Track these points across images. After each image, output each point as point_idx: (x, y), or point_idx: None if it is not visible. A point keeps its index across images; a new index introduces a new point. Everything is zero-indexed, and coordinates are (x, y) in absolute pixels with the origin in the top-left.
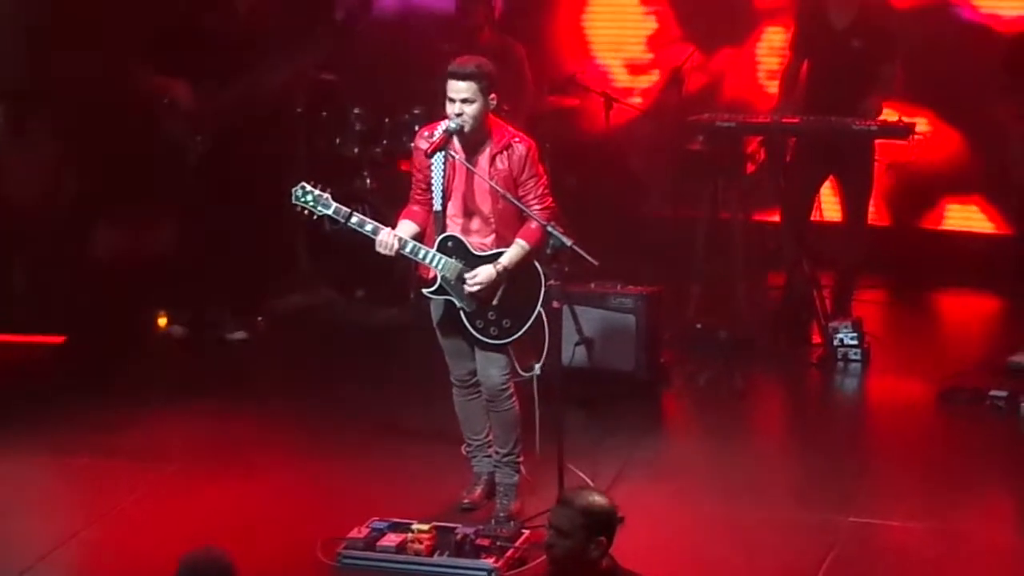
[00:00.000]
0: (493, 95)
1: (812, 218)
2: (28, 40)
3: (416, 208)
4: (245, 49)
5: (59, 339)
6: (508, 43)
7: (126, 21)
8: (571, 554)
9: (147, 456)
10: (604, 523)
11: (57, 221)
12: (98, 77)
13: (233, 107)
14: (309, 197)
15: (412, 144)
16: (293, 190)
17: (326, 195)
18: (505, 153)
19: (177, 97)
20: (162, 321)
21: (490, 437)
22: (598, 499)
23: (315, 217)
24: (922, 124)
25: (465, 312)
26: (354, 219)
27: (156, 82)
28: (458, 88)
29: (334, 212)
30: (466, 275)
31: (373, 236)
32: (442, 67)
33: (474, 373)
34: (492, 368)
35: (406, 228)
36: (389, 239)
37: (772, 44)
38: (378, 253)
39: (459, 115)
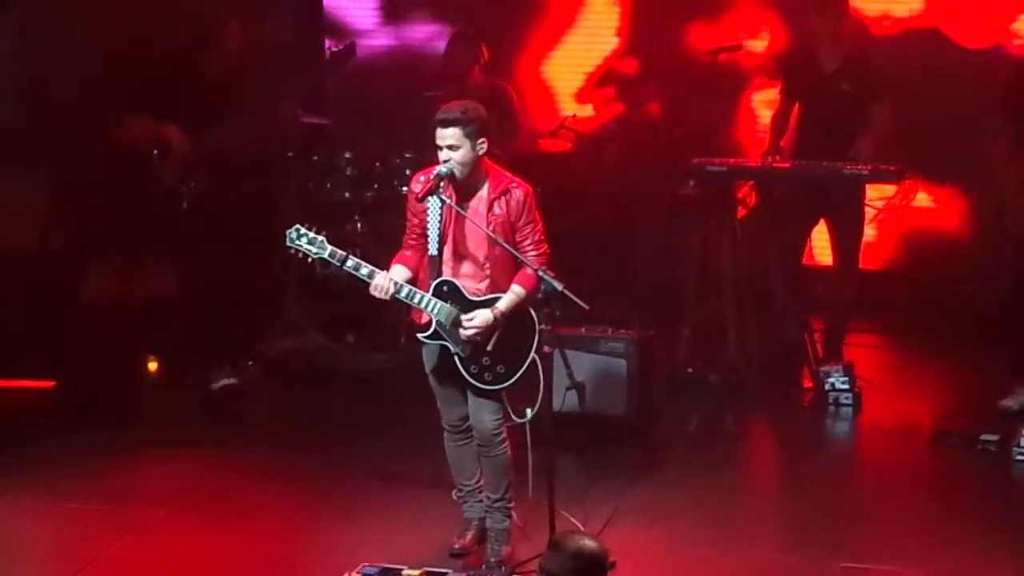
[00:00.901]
0: (483, 139)
1: (803, 262)
2: (23, 83)
3: (409, 253)
4: (233, 92)
5: (49, 383)
6: (497, 85)
7: (120, 68)
8: None
9: (137, 501)
10: (595, 568)
11: (48, 265)
12: (92, 123)
13: (222, 150)
14: (304, 240)
15: (406, 188)
16: (288, 232)
17: (321, 238)
18: (503, 198)
19: (170, 144)
20: (152, 366)
21: (481, 482)
22: (589, 543)
23: (309, 260)
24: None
25: (460, 357)
26: (349, 263)
27: (149, 129)
28: (444, 135)
29: (329, 255)
30: (463, 319)
31: (368, 280)
32: (432, 111)
33: (466, 418)
34: (485, 413)
35: (399, 273)
36: (385, 283)
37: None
38: (368, 298)
39: (446, 162)
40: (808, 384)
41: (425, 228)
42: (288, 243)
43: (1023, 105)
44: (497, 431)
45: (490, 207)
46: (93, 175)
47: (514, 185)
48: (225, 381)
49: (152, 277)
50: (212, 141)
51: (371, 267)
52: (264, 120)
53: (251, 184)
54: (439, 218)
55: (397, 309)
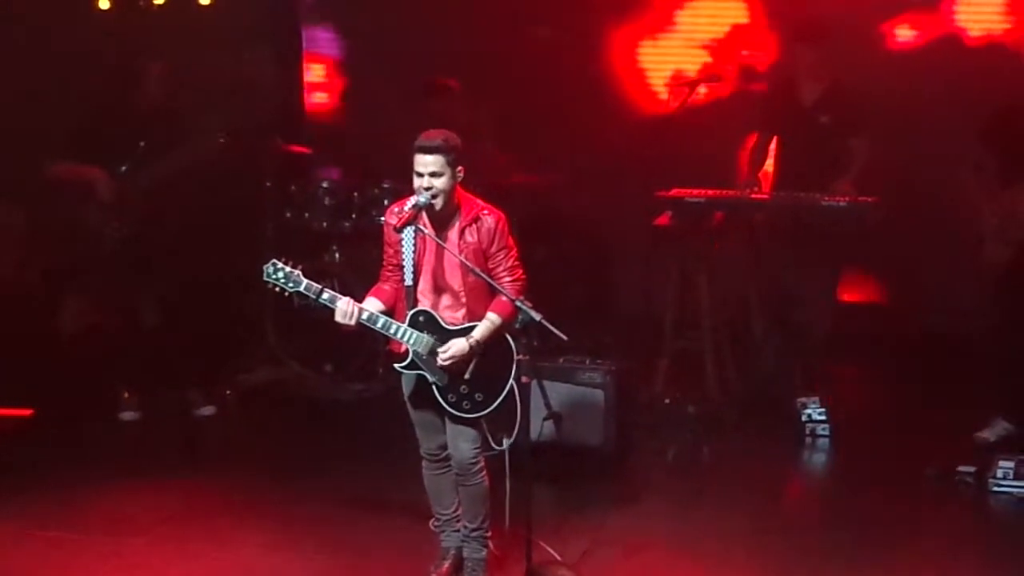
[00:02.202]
0: (460, 168)
1: (781, 293)
2: None
3: (385, 287)
4: (164, 131)
5: (27, 412)
6: (472, 115)
7: (47, 110)
8: None
9: (117, 530)
10: None
11: (25, 295)
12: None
13: (156, 187)
14: (280, 275)
15: (383, 220)
16: (264, 267)
17: (297, 272)
18: (474, 226)
19: (95, 185)
20: (126, 396)
21: (459, 512)
22: (566, 574)
23: (286, 294)
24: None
25: (437, 386)
26: (325, 295)
27: (72, 172)
28: (425, 162)
29: (305, 289)
30: (439, 349)
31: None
32: (410, 141)
33: (444, 447)
34: (462, 442)
35: (372, 305)
36: (349, 308)
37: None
38: (349, 329)
39: (428, 189)
40: (785, 415)
41: (401, 259)
42: (265, 278)
43: (1004, 142)
44: (475, 460)
45: (461, 235)
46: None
47: (485, 212)
48: (204, 410)
49: (129, 307)
50: (142, 181)
51: (346, 299)
52: (200, 156)
53: (221, 214)
54: (413, 248)
55: (375, 339)
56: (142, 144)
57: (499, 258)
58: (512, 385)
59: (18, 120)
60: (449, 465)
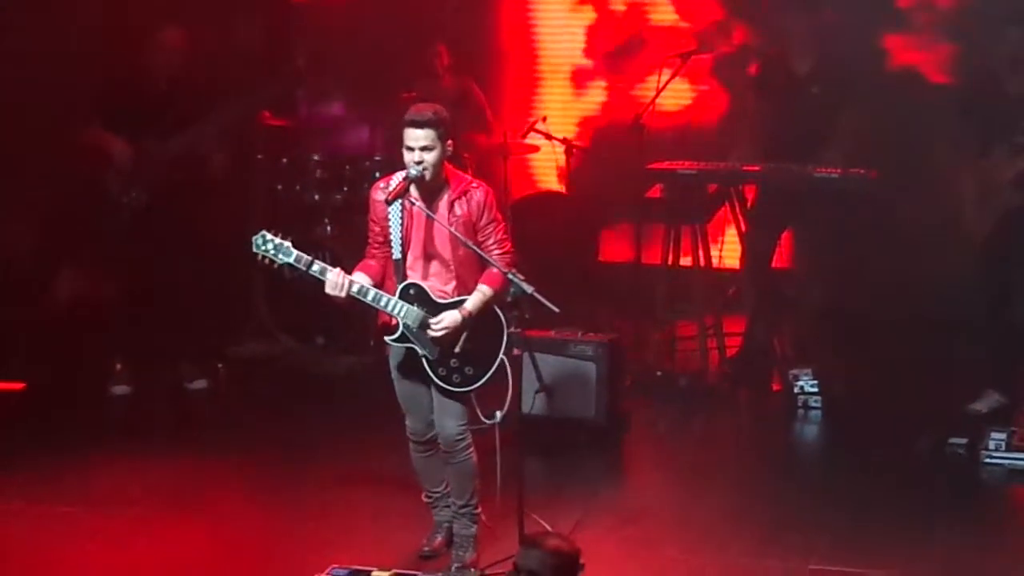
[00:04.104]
0: (450, 142)
1: (773, 264)
2: None
3: (372, 262)
4: (184, 101)
5: (19, 386)
6: (466, 85)
7: (73, 77)
8: None
9: (108, 502)
10: (571, 567)
11: (17, 269)
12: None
13: (174, 161)
14: (270, 246)
15: (369, 196)
16: (254, 239)
17: (287, 243)
18: (463, 199)
19: (112, 153)
20: (118, 368)
21: (449, 489)
22: (564, 543)
23: (276, 266)
24: None
25: (428, 360)
26: (315, 267)
27: (95, 137)
28: (416, 136)
29: (295, 260)
30: (430, 321)
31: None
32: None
33: (430, 426)
34: (448, 419)
35: (361, 280)
36: (339, 279)
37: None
38: (339, 301)
39: (419, 163)
40: (777, 387)
41: (388, 235)
42: (254, 249)
43: (980, 110)
44: (461, 436)
45: (451, 208)
46: (52, 182)
47: (474, 185)
48: (196, 383)
49: (121, 280)
50: (163, 151)
51: (336, 270)
52: (223, 127)
53: (211, 191)
54: (401, 222)
55: (366, 312)
56: (165, 115)
57: (488, 231)
58: (503, 359)
59: (42, 94)
60: (436, 447)
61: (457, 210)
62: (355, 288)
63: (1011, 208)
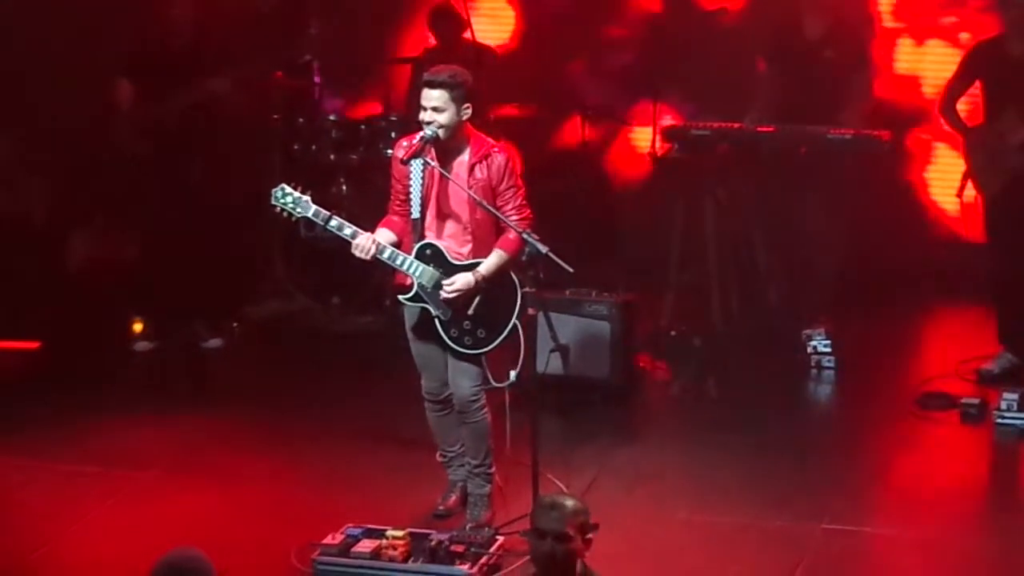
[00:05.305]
0: (468, 105)
1: (789, 225)
2: None
3: (395, 218)
4: (199, 60)
5: (34, 345)
6: (482, 47)
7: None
8: (571, 556)
9: (122, 462)
10: (587, 524)
11: (31, 228)
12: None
13: (181, 112)
14: (289, 199)
15: (391, 152)
16: (273, 191)
17: (306, 197)
18: (484, 163)
19: (118, 98)
20: (137, 327)
21: (464, 448)
22: (579, 503)
23: (293, 219)
24: None
25: (440, 320)
26: (333, 222)
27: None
28: (430, 96)
29: (313, 214)
30: (444, 282)
31: (351, 240)
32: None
33: (445, 386)
34: (463, 379)
35: (383, 236)
36: (366, 242)
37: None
38: (353, 260)
39: (430, 123)
40: (790, 347)
41: (409, 193)
42: (273, 202)
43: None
44: (475, 397)
45: (471, 171)
46: (71, 139)
47: (496, 149)
48: (211, 342)
49: (136, 239)
50: (175, 102)
51: (354, 227)
52: (238, 83)
53: (230, 147)
54: (421, 182)
55: (382, 271)
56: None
57: (507, 196)
58: (515, 324)
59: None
60: (451, 406)
61: (477, 173)
62: (386, 254)
63: (1019, 171)
